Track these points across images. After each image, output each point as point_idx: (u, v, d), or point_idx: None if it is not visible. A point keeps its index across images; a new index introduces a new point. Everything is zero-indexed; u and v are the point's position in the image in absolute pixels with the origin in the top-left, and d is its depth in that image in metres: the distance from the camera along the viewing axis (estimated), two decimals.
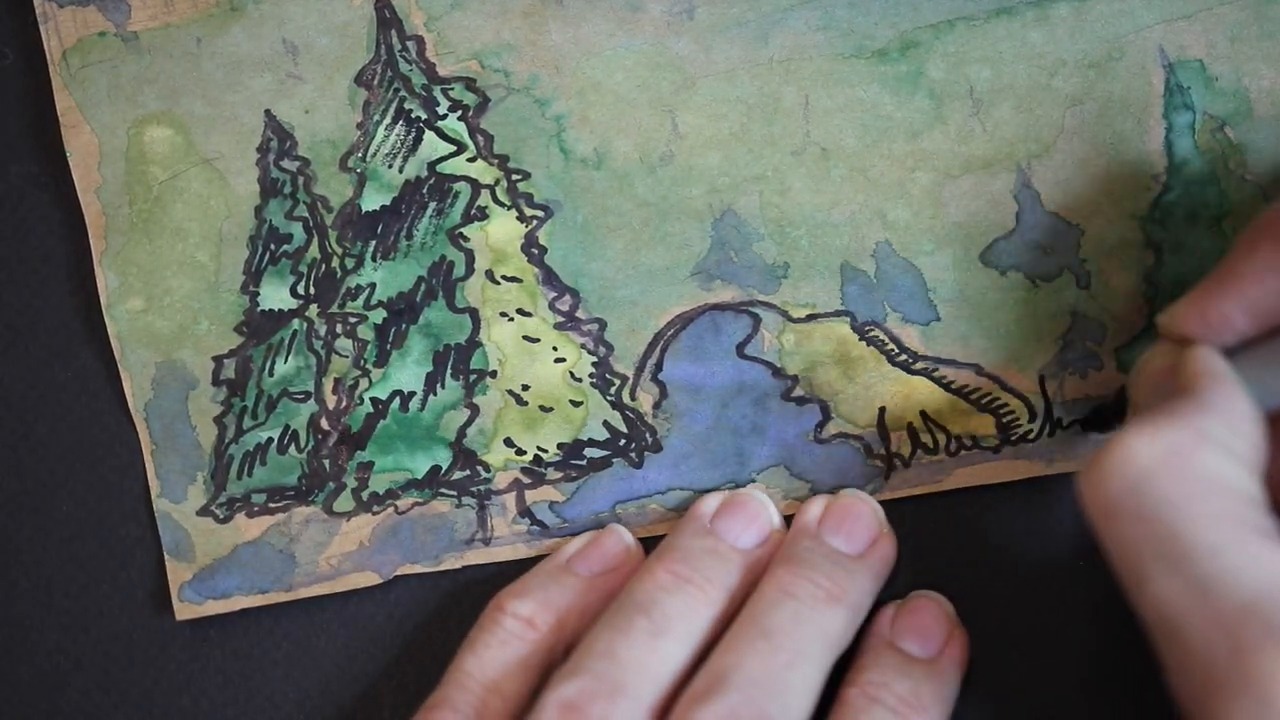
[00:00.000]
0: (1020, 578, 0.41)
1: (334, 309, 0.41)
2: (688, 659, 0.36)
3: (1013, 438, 0.40)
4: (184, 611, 0.41)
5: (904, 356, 0.41)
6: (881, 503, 0.40)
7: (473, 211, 0.41)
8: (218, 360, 0.41)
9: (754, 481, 0.41)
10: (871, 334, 0.41)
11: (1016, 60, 0.41)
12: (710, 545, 0.38)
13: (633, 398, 0.41)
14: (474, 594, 0.41)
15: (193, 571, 0.41)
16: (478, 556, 0.41)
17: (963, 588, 0.40)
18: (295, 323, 0.41)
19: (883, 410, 0.41)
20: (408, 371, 0.41)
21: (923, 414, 0.41)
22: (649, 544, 0.41)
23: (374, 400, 0.41)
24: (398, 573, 0.41)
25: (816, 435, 0.41)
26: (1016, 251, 0.41)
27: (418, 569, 0.41)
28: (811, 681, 0.36)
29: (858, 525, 0.39)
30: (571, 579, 0.39)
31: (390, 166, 0.41)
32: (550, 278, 0.41)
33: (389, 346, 0.41)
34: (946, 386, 0.41)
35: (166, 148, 0.41)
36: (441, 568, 0.41)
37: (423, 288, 0.41)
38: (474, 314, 0.41)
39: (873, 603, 0.38)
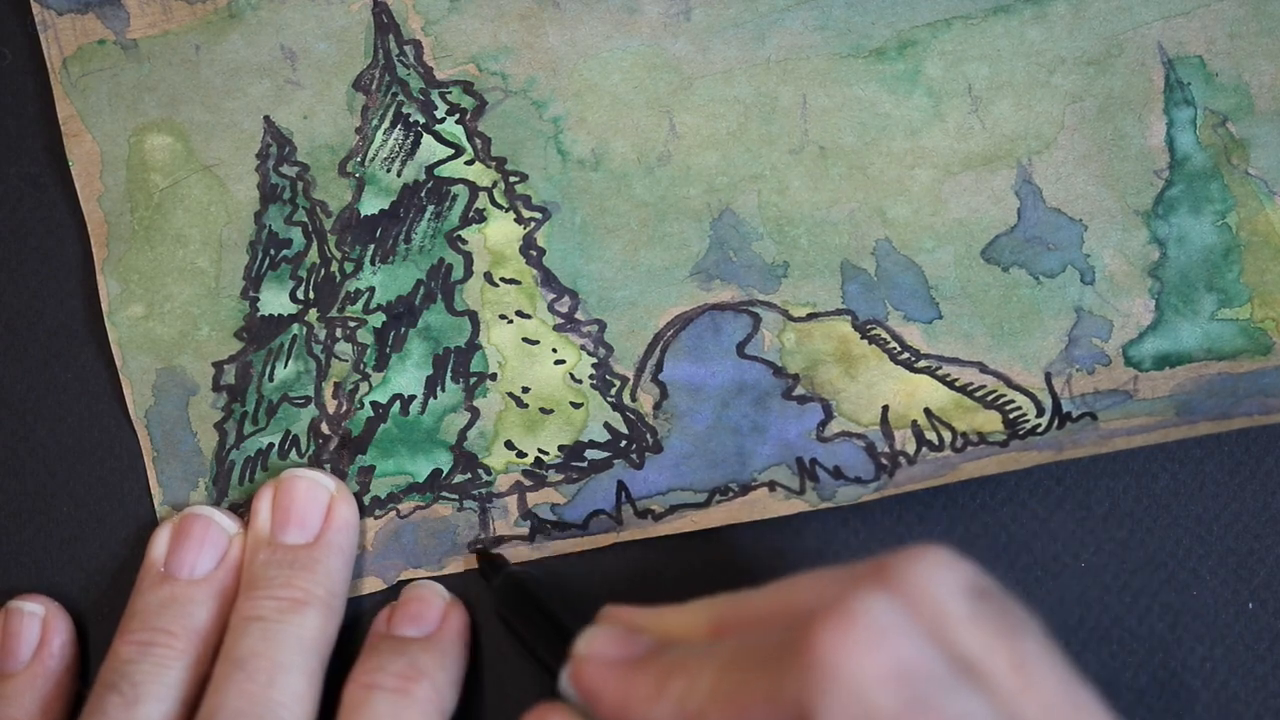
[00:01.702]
0: (1020, 576, 0.41)
1: (333, 313, 0.41)
2: (174, 714, 0.37)
3: (1020, 432, 0.40)
4: None
5: (906, 355, 0.40)
6: (887, 498, 0.40)
7: (471, 214, 0.41)
8: (218, 366, 0.41)
9: (755, 481, 0.40)
10: (873, 332, 0.41)
11: (1015, 58, 0.41)
12: (166, 594, 0.38)
13: (633, 399, 0.41)
14: (474, 597, 0.41)
15: None
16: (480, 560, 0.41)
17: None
18: (295, 327, 0.41)
19: (886, 408, 0.40)
20: (407, 375, 0.41)
21: (927, 411, 0.40)
22: (651, 543, 0.40)
23: (374, 404, 0.41)
24: (401, 577, 0.41)
25: (819, 434, 0.40)
26: (1018, 248, 0.41)
27: (421, 573, 0.41)
28: (299, 689, 0.36)
29: (308, 513, 0.39)
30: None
31: (389, 170, 0.41)
32: (549, 279, 0.41)
33: (389, 350, 0.41)
34: (950, 384, 0.40)
35: (167, 155, 0.41)
36: (444, 572, 0.41)
37: (422, 291, 0.41)
38: (473, 317, 0.41)
39: (347, 578, 0.39)
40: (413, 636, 0.39)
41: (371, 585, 0.41)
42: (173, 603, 0.38)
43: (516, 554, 0.41)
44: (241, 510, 0.40)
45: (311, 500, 0.39)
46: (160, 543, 0.39)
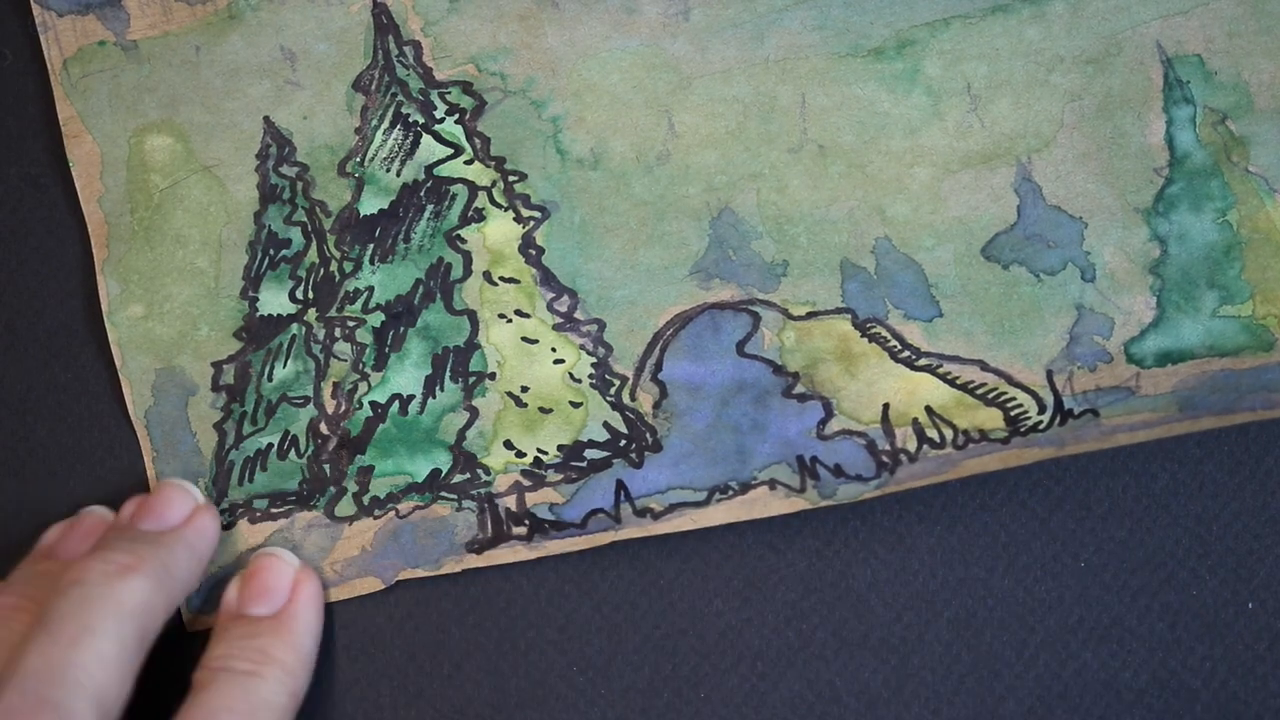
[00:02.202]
0: (1020, 576, 0.41)
1: (333, 313, 0.41)
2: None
3: (1022, 429, 0.40)
4: (196, 623, 0.40)
5: (906, 353, 0.40)
6: (890, 495, 0.40)
7: (470, 213, 0.41)
8: (217, 366, 0.41)
9: (756, 479, 0.40)
10: (873, 331, 0.40)
11: (1013, 57, 0.41)
12: (42, 568, 0.39)
13: (632, 398, 0.41)
14: (473, 597, 0.41)
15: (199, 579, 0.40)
16: (478, 560, 0.40)
17: (963, 583, 0.40)
18: (294, 327, 0.41)
19: (886, 406, 0.40)
20: (406, 375, 0.41)
21: (928, 409, 0.40)
22: (652, 542, 0.40)
23: (373, 404, 0.41)
24: (399, 578, 0.40)
25: (819, 432, 0.40)
26: (1018, 245, 0.40)
27: (419, 573, 0.40)
28: (107, 654, 0.36)
29: (170, 505, 0.39)
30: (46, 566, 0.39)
31: (388, 170, 0.41)
32: (548, 278, 0.41)
33: (387, 350, 0.41)
34: (951, 382, 0.40)
35: (167, 156, 0.41)
36: (442, 571, 0.40)
37: (421, 290, 0.41)
38: (472, 316, 0.41)
39: (200, 570, 0.39)
40: (262, 616, 0.39)
41: (370, 586, 0.40)
42: (38, 574, 0.38)
43: (514, 554, 0.40)
44: (240, 512, 0.41)
45: (178, 500, 0.40)
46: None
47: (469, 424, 0.41)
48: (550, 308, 0.41)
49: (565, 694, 0.41)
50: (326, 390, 0.41)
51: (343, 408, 0.41)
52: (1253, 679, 0.40)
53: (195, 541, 0.39)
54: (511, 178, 0.41)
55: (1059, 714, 0.40)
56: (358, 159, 0.41)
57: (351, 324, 0.41)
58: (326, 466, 0.41)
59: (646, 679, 0.41)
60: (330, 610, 0.41)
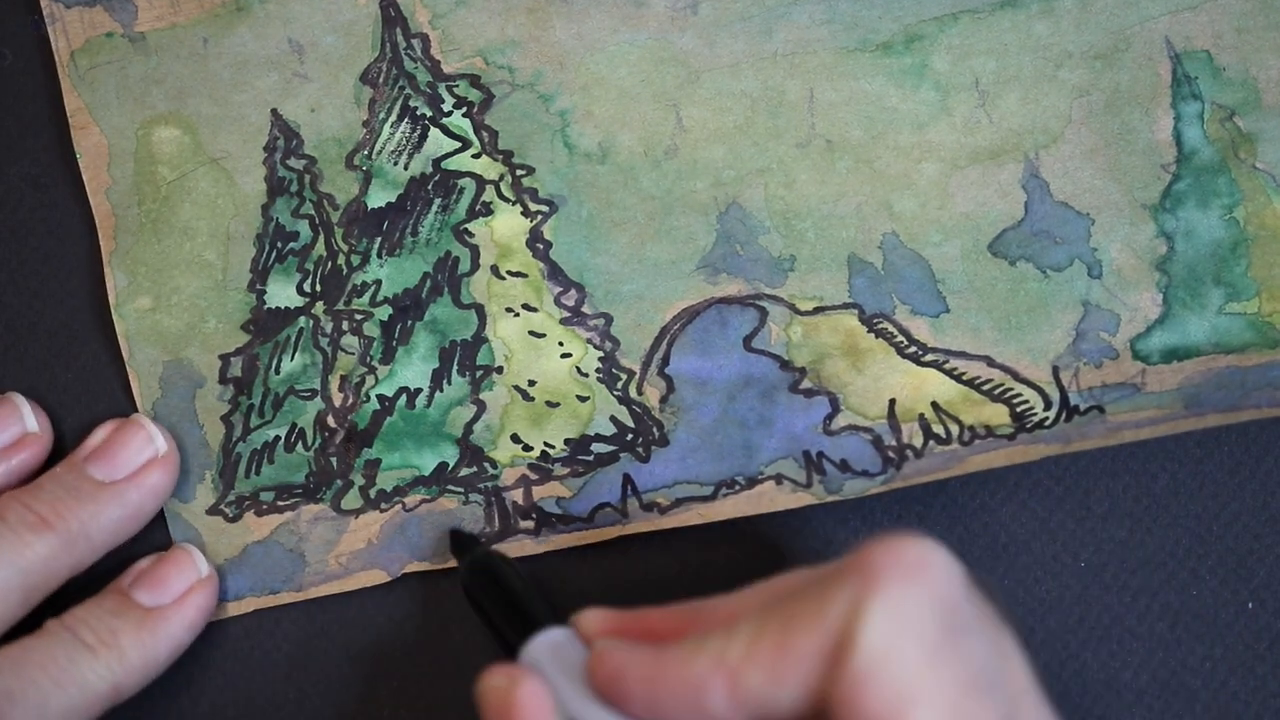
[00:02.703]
0: (1020, 576, 0.41)
1: (340, 306, 0.41)
2: None
3: (1028, 425, 0.40)
4: None
5: (913, 349, 0.40)
6: (891, 493, 0.40)
7: (477, 207, 0.41)
8: (224, 359, 0.41)
9: (762, 474, 0.40)
10: (880, 326, 0.41)
11: (1022, 52, 0.41)
12: None
13: (639, 392, 0.41)
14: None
15: None
16: None
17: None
18: (301, 320, 0.41)
19: (893, 402, 0.40)
20: (414, 368, 0.41)
21: (934, 405, 0.40)
22: (654, 541, 0.40)
23: (380, 397, 0.41)
24: (405, 570, 0.41)
25: (826, 427, 0.40)
26: (1026, 241, 0.40)
27: (425, 566, 0.41)
28: None
29: (122, 453, 0.39)
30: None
31: (396, 164, 0.41)
32: (555, 272, 0.41)
33: (395, 343, 0.41)
34: (958, 378, 0.40)
35: (174, 148, 0.41)
36: (448, 565, 0.40)
37: (428, 284, 0.41)
38: (480, 310, 0.41)
39: (134, 527, 0.39)
40: (143, 604, 0.38)
41: (375, 578, 0.41)
42: None
43: (521, 548, 0.40)
44: (248, 505, 0.41)
45: (131, 449, 0.39)
46: None
47: (476, 418, 0.41)
48: (558, 301, 0.41)
49: None
50: (334, 383, 0.41)
51: (350, 401, 0.41)
52: (1253, 679, 0.40)
53: (134, 498, 0.39)
54: (519, 171, 0.41)
55: (1059, 714, 0.40)
56: (365, 152, 0.41)
57: (359, 317, 0.41)
58: (333, 459, 0.41)
59: None
60: (330, 610, 0.41)
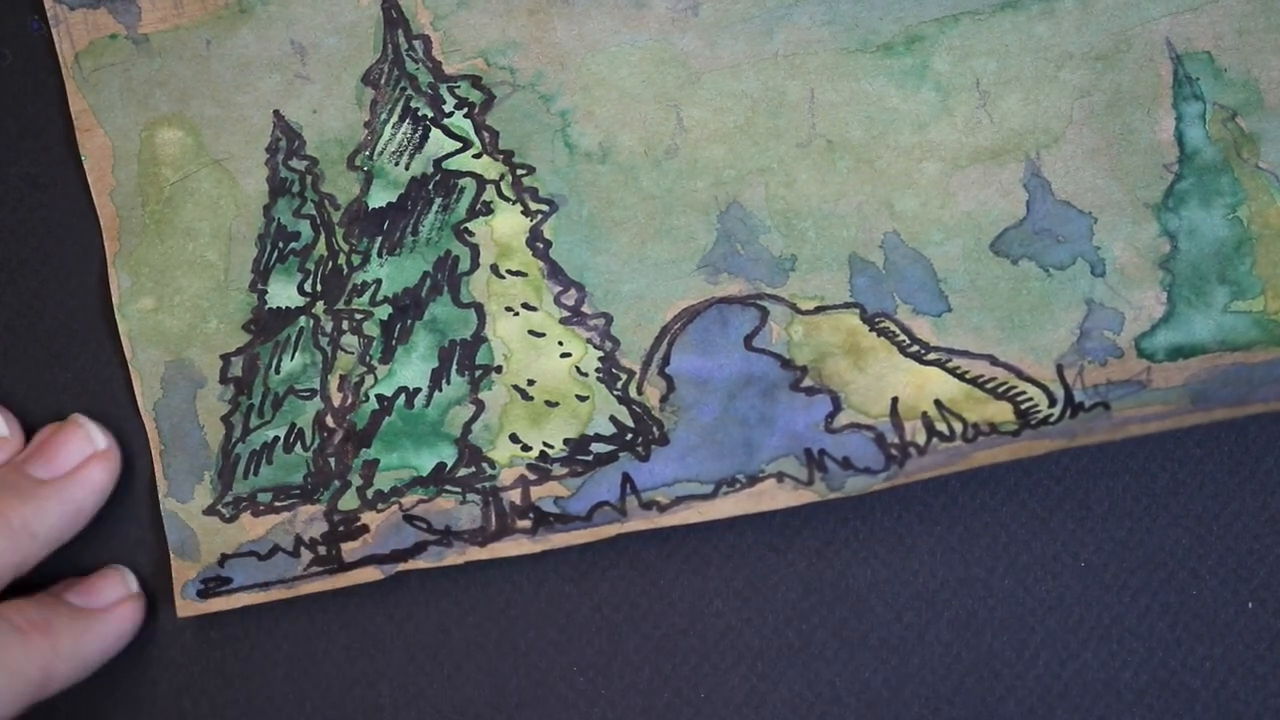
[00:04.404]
0: (1020, 576, 0.40)
1: (340, 305, 0.41)
2: None
3: (1033, 422, 0.40)
4: (185, 609, 0.40)
5: (915, 348, 0.40)
6: (892, 495, 0.39)
7: (478, 207, 0.41)
8: (225, 359, 0.41)
9: (763, 472, 0.40)
10: (882, 325, 0.40)
11: (1023, 53, 0.41)
12: None
13: (640, 392, 0.40)
14: (474, 597, 0.40)
15: (197, 570, 0.40)
16: (481, 553, 0.40)
17: (963, 583, 0.40)
18: (302, 320, 0.41)
19: (895, 400, 0.40)
20: (413, 368, 0.41)
21: (937, 403, 0.40)
22: (653, 542, 0.40)
23: (379, 397, 0.41)
24: (400, 568, 0.40)
25: (827, 425, 0.40)
26: (1028, 240, 0.40)
27: (421, 565, 0.40)
28: None
29: (61, 451, 0.39)
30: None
31: (397, 164, 0.41)
32: (555, 272, 0.41)
33: (394, 342, 0.41)
34: (961, 377, 0.40)
35: (178, 149, 0.41)
36: (445, 563, 0.40)
37: (428, 283, 0.41)
38: (479, 309, 0.41)
39: (77, 523, 0.39)
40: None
41: (370, 575, 0.40)
42: None
43: (519, 547, 0.40)
44: (245, 506, 0.40)
45: (71, 447, 0.40)
46: None
47: (475, 417, 0.41)
48: (558, 301, 0.41)
49: (565, 694, 0.41)
50: (333, 383, 0.41)
51: (349, 400, 0.41)
52: (1253, 679, 0.40)
53: (75, 494, 0.39)
54: (520, 171, 0.41)
55: (1059, 714, 0.40)
56: (367, 152, 0.41)
57: (359, 317, 0.41)
58: (331, 460, 0.41)
59: (646, 679, 0.41)
60: (330, 610, 0.41)
